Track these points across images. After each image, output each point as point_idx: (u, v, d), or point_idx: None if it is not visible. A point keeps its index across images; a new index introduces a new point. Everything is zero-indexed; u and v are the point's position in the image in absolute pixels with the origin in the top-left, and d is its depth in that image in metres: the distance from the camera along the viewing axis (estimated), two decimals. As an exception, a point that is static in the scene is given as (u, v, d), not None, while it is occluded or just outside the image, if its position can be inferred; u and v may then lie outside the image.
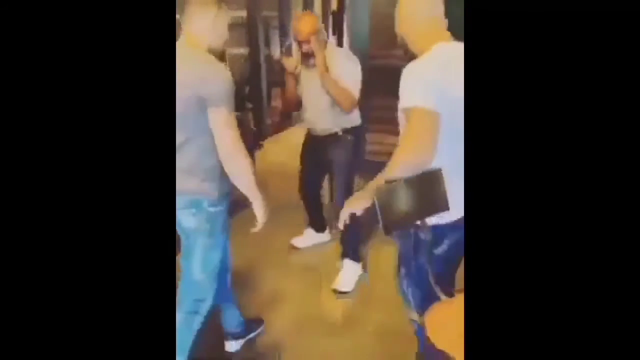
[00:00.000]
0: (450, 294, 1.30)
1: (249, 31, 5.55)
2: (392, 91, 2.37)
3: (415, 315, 1.35)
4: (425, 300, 1.31)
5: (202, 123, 1.45)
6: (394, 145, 1.28)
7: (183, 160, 1.48)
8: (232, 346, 2.07)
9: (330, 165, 2.71)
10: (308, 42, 2.36)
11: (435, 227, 1.32)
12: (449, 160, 1.25)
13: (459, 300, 1.20)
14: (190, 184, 1.51)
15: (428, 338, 1.13)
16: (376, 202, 1.20)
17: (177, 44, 1.46)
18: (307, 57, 2.43)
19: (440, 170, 1.25)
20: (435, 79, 1.21)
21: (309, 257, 3.04)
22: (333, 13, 8.70)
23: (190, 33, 1.53)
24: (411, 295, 1.43)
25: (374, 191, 1.25)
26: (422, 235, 1.32)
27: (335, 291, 2.56)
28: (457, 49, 1.26)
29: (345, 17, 9.86)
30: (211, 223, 1.56)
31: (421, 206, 1.24)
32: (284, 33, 6.42)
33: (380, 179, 1.27)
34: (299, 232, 3.15)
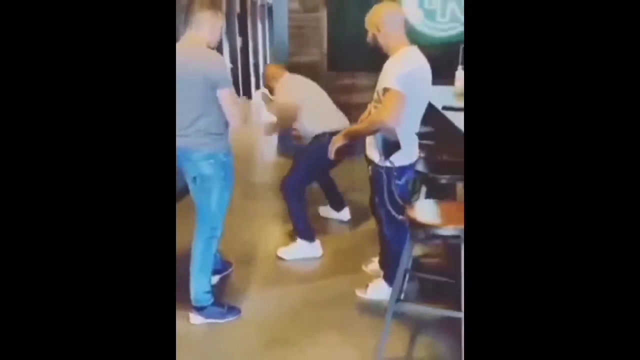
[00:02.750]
0: (409, 204, 1.94)
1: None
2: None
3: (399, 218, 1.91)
4: (389, 214, 1.95)
5: (211, 101, 1.99)
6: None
7: (201, 125, 2.01)
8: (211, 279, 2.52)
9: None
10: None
11: (400, 167, 2.02)
12: (407, 123, 1.99)
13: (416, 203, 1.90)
14: (208, 141, 2.05)
15: (415, 221, 1.74)
16: (379, 138, 1.81)
17: (182, 41, 1.98)
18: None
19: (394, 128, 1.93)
20: (403, 71, 1.94)
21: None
22: (238, 15, 9.02)
23: (193, 33, 2.03)
24: (383, 212, 2.12)
25: (345, 135, 2.07)
26: (392, 171, 1.96)
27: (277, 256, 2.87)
28: (415, 51, 2.05)
29: (260, 20, 10.19)
30: (225, 170, 2.11)
31: (387, 148, 1.89)
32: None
33: (354, 128, 1.99)
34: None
